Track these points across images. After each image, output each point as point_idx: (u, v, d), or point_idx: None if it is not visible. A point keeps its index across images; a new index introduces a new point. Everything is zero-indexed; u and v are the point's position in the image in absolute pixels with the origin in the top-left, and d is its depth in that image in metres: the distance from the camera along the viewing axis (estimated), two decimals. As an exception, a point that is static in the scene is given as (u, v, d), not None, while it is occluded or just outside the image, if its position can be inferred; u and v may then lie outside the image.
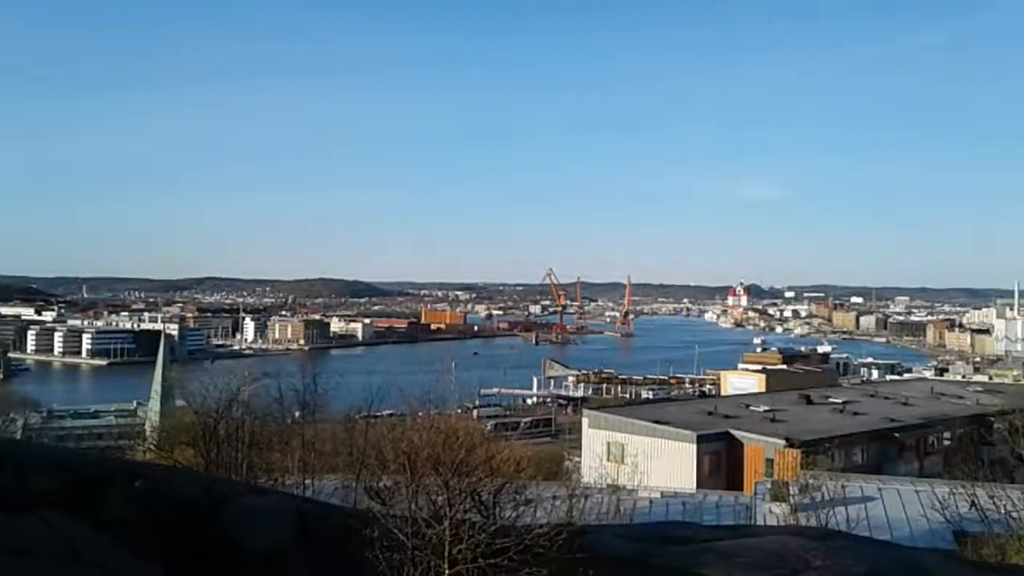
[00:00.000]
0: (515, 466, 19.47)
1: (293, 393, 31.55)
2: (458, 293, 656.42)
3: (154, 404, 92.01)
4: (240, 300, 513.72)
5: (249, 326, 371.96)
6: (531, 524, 13.18)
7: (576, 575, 11.39)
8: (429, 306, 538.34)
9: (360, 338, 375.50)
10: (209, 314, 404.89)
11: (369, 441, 28.34)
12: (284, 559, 13.37)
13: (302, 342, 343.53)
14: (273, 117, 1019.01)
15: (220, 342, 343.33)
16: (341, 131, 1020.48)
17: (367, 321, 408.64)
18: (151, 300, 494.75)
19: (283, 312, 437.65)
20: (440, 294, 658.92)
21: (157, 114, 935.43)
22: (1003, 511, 28.06)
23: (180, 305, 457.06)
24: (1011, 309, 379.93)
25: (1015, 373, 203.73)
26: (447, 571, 11.57)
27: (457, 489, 12.37)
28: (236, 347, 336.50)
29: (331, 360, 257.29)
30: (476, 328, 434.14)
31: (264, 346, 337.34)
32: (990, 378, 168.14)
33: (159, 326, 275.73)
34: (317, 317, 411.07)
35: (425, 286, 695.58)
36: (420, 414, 18.82)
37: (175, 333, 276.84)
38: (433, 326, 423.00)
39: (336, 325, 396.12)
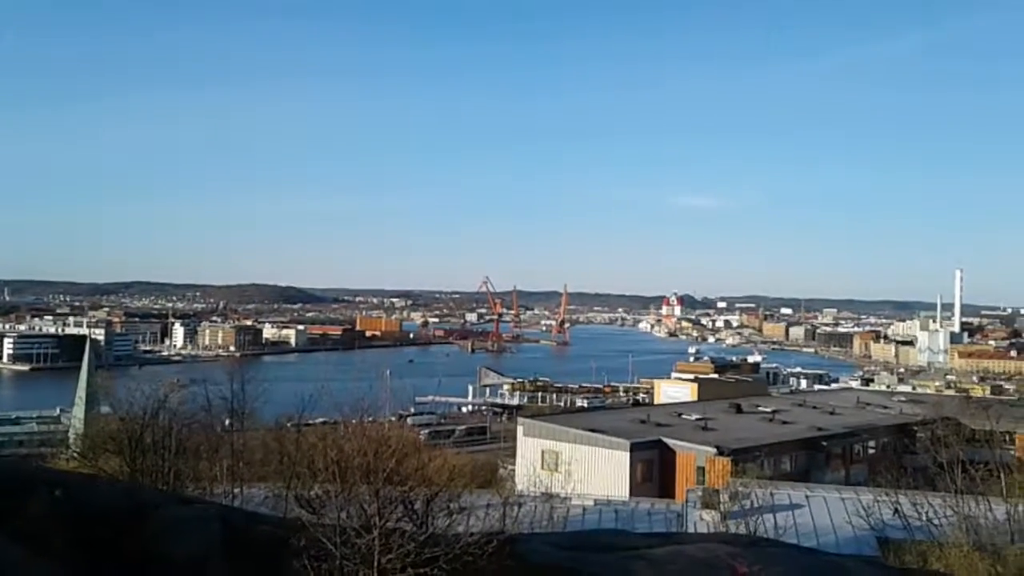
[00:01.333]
0: (449, 474, 19.38)
1: (222, 400, 30.94)
2: (394, 300, 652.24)
3: (78, 411, 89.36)
4: (169, 305, 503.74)
5: (178, 332, 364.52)
6: (464, 533, 13.09)
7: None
8: (364, 313, 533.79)
9: (294, 344, 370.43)
10: (137, 319, 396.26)
11: (300, 449, 27.89)
12: (209, 569, 13.06)
13: (233, 348, 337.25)
14: (200, 120, 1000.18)
15: (148, 348, 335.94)
16: (273, 135, 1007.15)
17: (301, 327, 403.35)
18: (76, 304, 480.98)
19: (214, 318, 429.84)
20: (376, 301, 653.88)
21: (82, 115, 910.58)
22: (925, 518, 28.84)
23: (107, 310, 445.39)
24: (934, 322, 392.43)
25: (937, 384, 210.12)
26: (375, 581, 11.43)
27: (388, 498, 12.22)
28: (165, 353, 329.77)
29: (263, 367, 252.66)
30: (412, 335, 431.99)
31: (194, 352, 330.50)
32: (913, 388, 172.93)
33: (84, 331, 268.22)
34: (249, 323, 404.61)
35: (360, 293, 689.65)
36: (352, 422, 18.60)
37: (101, 338, 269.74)
38: (368, 333, 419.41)
39: (269, 331, 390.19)
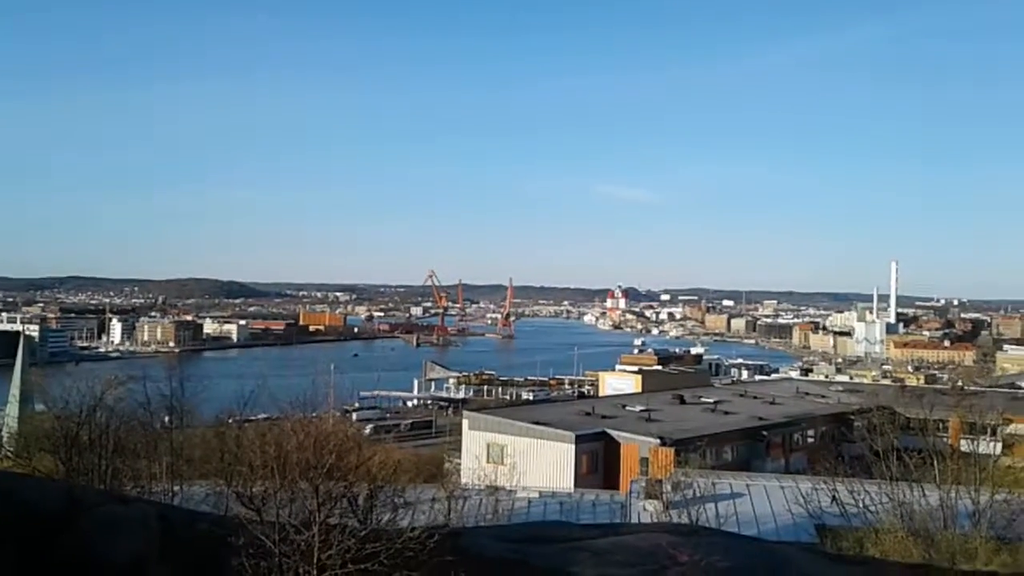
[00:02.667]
0: (392, 469, 19.28)
1: (161, 397, 30.32)
2: (338, 294, 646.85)
3: (11, 409, 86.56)
4: (107, 300, 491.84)
5: (116, 327, 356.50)
6: (408, 527, 13.05)
7: (450, 577, 11.35)
8: (308, 307, 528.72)
9: (235, 340, 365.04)
10: (73, 315, 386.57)
11: (241, 446, 27.50)
12: (148, 567, 12.84)
13: (173, 344, 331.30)
14: (138, 110, 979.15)
15: (85, 344, 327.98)
16: (214, 126, 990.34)
17: (242, 322, 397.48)
18: (10, 300, 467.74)
19: (153, 313, 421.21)
20: (319, 295, 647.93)
21: (11, 105, 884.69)
22: (861, 505, 29.49)
23: (41, 305, 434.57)
24: (870, 313, 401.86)
25: (873, 373, 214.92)
26: (315, 577, 11.33)
27: (331, 493, 12.13)
28: (102, 350, 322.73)
29: (204, 363, 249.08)
30: (356, 330, 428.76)
31: (132, 348, 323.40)
32: (851, 378, 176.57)
33: (18, 327, 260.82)
34: (189, 318, 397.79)
35: (304, 287, 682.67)
36: (294, 418, 18.37)
37: (35, 335, 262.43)
38: (312, 328, 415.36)
39: (209, 327, 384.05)
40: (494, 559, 14.15)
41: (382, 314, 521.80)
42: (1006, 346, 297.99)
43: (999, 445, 52.49)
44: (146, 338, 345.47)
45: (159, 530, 13.67)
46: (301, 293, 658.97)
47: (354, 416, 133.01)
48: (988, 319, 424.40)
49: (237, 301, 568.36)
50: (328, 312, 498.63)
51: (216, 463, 29.49)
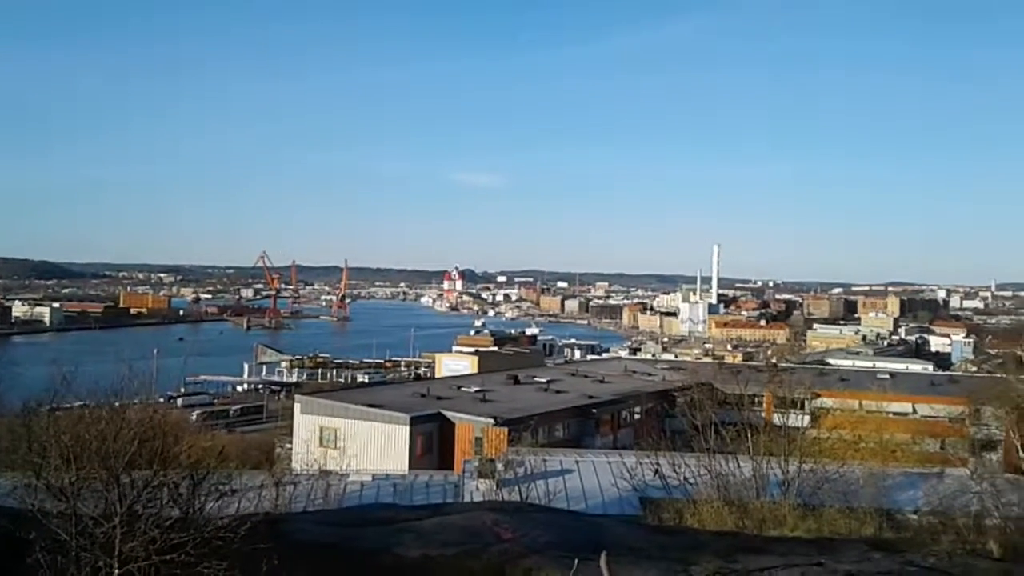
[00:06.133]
0: (218, 456, 18.50)
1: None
2: (162, 275, 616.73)
3: None
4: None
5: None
6: (217, 515, 12.48)
7: (265, 564, 10.90)
8: (129, 289, 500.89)
9: (48, 323, 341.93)
10: None
11: (51, 435, 25.64)
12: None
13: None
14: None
15: None
16: (34, 94, 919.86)
17: (56, 305, 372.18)
18: None
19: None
20: (142, 276, 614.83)
21: None
22: (682, 478, 30.83)
23: None
24: (694, 294, 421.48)
25: (696, 351, 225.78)
26: (117, 570, 10.61)
27: (136, 483, 11.41)
28: None
29: (12, 348, 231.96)
30: (182, 312, 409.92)
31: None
32: (676, 356, 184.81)
33: None
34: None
35: (124, 268, 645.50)
36: (110, 405, 17.26)
37: None
38: (133, 310, 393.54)
39: (19, 309, 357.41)
40: (317, 544, 13.80)
41: (210, 296, 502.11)
42: (816, 325, 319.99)
43: (807, 418, 56.50)
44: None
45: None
46: (121, 274, 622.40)
47: (179, 402, 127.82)
48: (800, 300, 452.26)
49: (50, 282, 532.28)
50: (151, 294, 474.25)
51: (23, 453, 27.46)
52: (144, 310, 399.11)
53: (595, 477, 39.16)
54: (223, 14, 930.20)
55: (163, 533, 10.81)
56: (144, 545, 10.66)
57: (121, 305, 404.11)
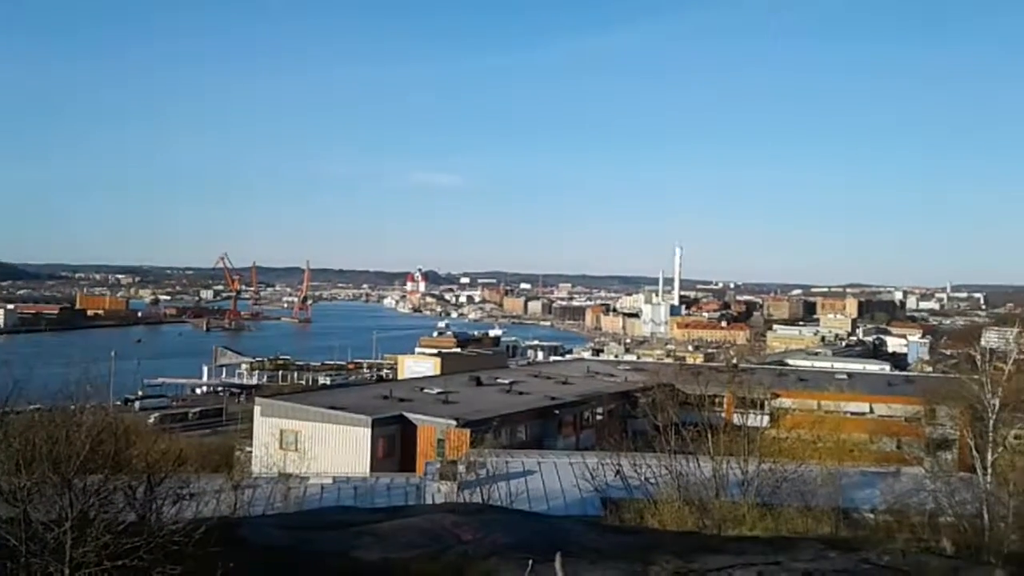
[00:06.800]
0: (176, 459, 18.23)
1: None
2: (120, 277, 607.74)
3: None
4: None
5: None
6: (172, 519, 12.31)
7: (220, 569, 10.76)
8: (86, 290, 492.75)
9: (1, 326, 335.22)
10: None
11: (1, 441, 25.13)
12: None
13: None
14: None
15: None
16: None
17: (10, 307, 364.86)
18: None
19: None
20: (99, 277, 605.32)
21: None
22: (643, 478, 31.01)
23: None
24: (656, 295, 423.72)
25: (658, 352, 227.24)
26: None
27: (87, 488, 11.21)
28: None
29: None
30: (140, 314, 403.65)
31: None
32: (638, 357, 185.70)
33: None
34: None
35: (81, 269, 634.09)
36: (66, 408, 16.96)
37: None
38: (90, 312, 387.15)
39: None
40: (273, 547, 13.67)
41: (169, 298, 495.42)
42: (775, 326, 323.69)
43: (767, 418, 57.09)
44: None
45: None
46: (78, 275, 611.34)
47: (137, 405, 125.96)
48: (760, 301, 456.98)
49: (4, 283, 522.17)
50: (109, 295, 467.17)
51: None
52: (101, 312, 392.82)
53: (557, 478, 39.28)
54: (174, 14, 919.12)
55: (116, 538, 10.63)
56: (96, 550, 10.48)
57: (78, 307, 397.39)
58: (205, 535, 11.06)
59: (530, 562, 11.96)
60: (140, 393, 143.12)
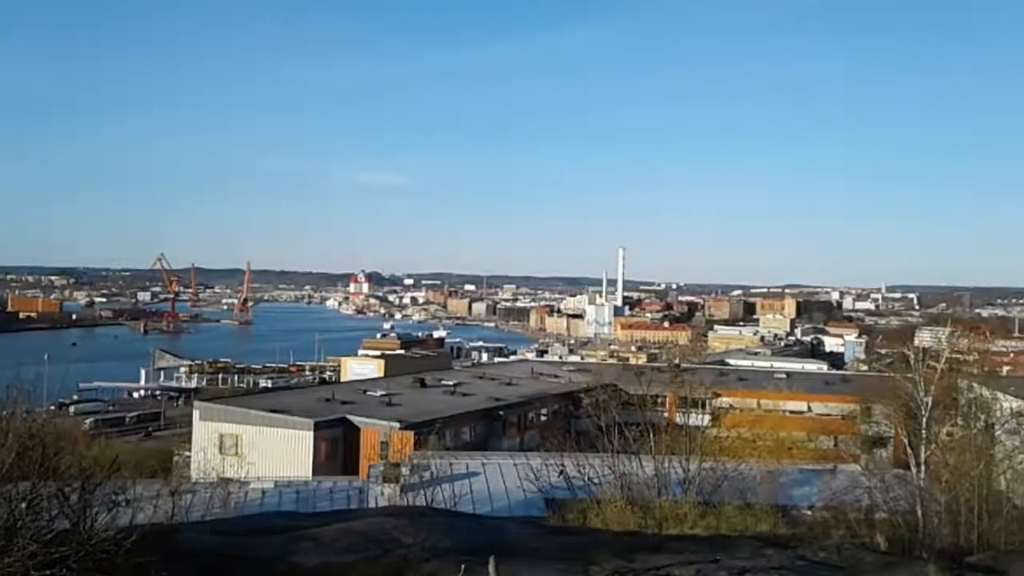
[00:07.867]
0: (111, 465, 17.81)
1: None
2: (53, 278, 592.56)
3: None
4: None
5: None
6: (102, 527, 12.02)
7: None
8: (18, 292, 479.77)
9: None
10: None
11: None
12: None
13: None
14: None
15: None
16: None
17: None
18: None
19: None
20: (31, 279, 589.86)
21: None
22: (586, 479, 31.23)
23: None
24: (600, 296, 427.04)
25: (602, 353, 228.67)
26: (-10, 588, 10.12)
27: (19, 495, 10.87)
28: None
29: None
30: (74, 317, 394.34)
31: None
32: (582, 358, 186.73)
33: None
34: None
35: (12, 270, 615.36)
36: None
37: None
38: (23, 315, 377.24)
39: None
40: (210, 554, 13.43)
41: (104, 300, 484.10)
42: (716, 326, 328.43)
43: (708, 417, 57.85)
44: None
45: None
46: (9, 276, 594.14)
47: (72, 410, 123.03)
48: (701, 302, 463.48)
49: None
50: (41, 297, 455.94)
51: None
52: (34, 314, 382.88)
53: (501, 479, 39.38)
54: (123, 10, 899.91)
55: (44, 547, 10.33)
56: (22, 560, 10.18)
57: (9, 309, 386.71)
58: (139, 543, 10.81)
59: (462, 566, 11.95)
60: (75, 397, 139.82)
